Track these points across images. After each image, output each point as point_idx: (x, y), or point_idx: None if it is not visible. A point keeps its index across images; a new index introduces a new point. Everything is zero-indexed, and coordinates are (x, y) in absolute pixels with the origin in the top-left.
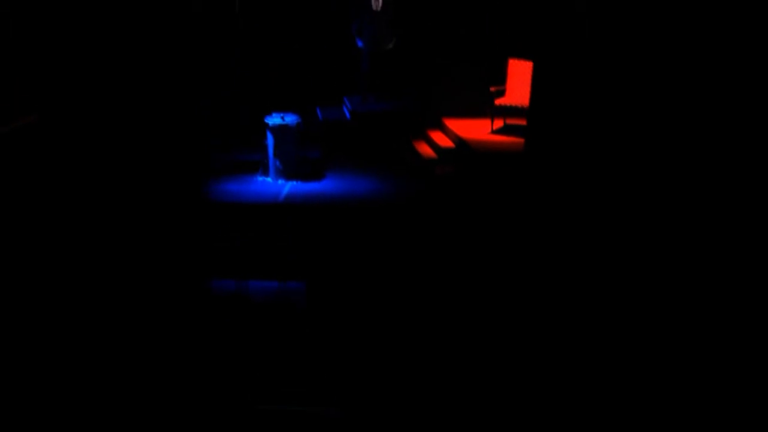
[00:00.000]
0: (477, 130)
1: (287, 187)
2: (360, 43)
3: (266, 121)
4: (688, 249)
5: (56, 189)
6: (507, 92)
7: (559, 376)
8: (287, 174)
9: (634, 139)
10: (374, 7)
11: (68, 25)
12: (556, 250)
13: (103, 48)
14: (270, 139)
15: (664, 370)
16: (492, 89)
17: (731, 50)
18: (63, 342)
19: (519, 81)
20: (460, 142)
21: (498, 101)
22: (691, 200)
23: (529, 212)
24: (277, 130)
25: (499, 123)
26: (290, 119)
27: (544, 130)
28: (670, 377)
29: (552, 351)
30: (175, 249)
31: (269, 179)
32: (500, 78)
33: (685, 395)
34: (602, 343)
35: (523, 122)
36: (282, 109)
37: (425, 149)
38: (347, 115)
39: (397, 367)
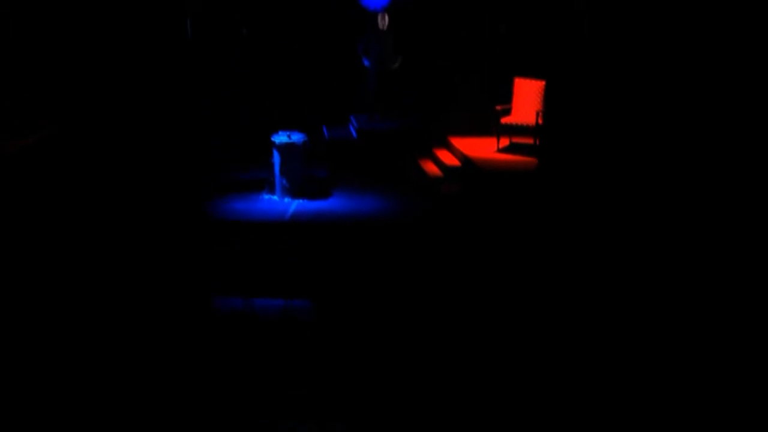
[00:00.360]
0: (483, 148)
1: (294, 205)
2: (366, 63)
3: (273, 139)
4: (712, 270)
5: (68, 199)
6: (513, 111)
7: (567, 399)
8: (294, 192)
9: (650, 155)
10: (381, 27)
11: (68, 28)
12: (568, 267)
13: (103, 49)
14: (276, 158)
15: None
16: (498, 108)
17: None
18: (69, 357)
19: (525, 100)
20: (466, 161)
21: (504, 120)
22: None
23: (542, 230)
24: (284, 148)
25: (504, 141)
26: (297, 138)
27: (557, 149)
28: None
29: (561, 373)
30: (181, 266)
31: (275, 197)
32: (506, 97)
33: (686, 395)
34: (607, 358)
35: (529, 141)
36: (288, 127)
37: (431, 168)
38: (353, 133)
39: (403, 383)
